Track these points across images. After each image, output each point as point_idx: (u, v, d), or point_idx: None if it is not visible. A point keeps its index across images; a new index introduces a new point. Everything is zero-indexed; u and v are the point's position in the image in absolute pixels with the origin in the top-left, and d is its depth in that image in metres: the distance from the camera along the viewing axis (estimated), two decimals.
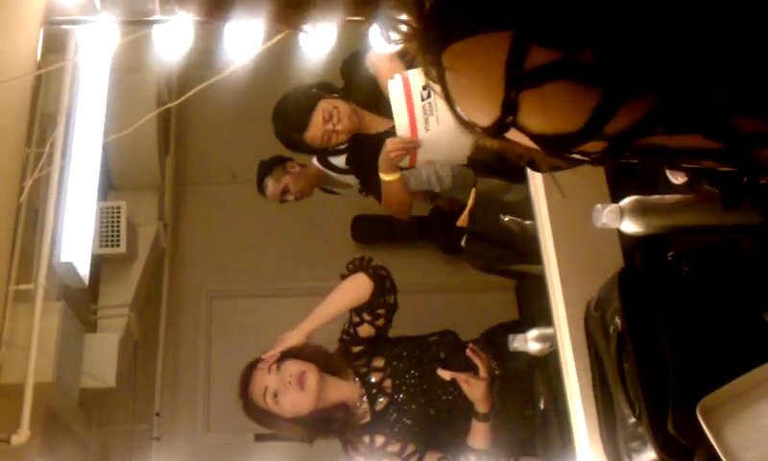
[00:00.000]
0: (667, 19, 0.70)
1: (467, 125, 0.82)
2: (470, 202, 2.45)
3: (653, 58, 0.70)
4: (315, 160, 3.27)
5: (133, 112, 3.15)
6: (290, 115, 2.84)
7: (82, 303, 3.33)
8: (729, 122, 0.71)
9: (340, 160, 3.18)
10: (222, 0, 0.85)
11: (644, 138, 0.73)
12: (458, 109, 0.81)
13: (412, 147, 2.53)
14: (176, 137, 4.21)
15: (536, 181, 1.99)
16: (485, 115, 0.76)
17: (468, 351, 2.55)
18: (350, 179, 3.20)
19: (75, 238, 2.77)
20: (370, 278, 2.61)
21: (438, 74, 0.80)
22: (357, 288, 2.62)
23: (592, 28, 0.70)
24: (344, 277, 2.70)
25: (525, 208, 2.19)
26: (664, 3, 0.70)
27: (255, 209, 4.20)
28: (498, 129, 0.76)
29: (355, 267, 2.69)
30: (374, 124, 2.86)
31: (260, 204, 4.22)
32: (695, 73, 0.70)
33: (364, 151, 2.86)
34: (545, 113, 0.74)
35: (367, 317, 2.61)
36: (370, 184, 3.01)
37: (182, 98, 2.84)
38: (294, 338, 2.57)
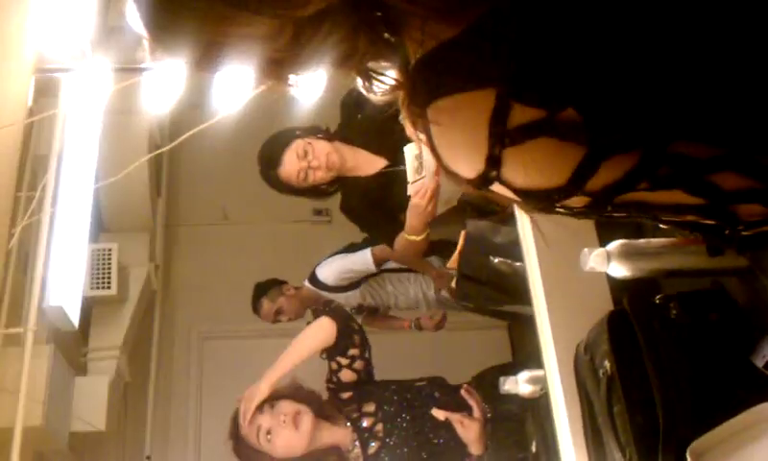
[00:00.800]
0: (652, 78, 0.71)
1: (452, 175, 0.82)
2: (460, 244, 2.45)
3: (637, 116, 0.71)
4: (306, 282, 3.33)
5: (126, 155, 3.18)
6: (265, 153, 2.87)
7: (72, 345, 3.32)
8: (710, 179, 0.72)
9: (327, 276, 3.24)
10: (208, 53, 0.85)
11: (626, 194, 0.73)
12: (443, 161, 0.82)
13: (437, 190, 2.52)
14: (168, 179, 4.22)
15: (524, 223, 2.00)
16: (469, 169, 0.77)
17: (463, 392, 2.54)
18: (342, 296, 3.23)
19: (65, 281, 2.76)
20: (331, 319, 2.61)
21: (423, 126, 0.81)
22: (319, 331, 2.62)
23: (576, 87, 0.72)
24: (308, 323, 2.71)
25: (515, 250, 2.19)
26: (649, 62, 0.71)
27: (247, 250, 4.21)
28: (483, 182, 0.77)
29: (318, 311, 2.69)
30: (371, 164, 2.86)
31: (252, 244, 4.24)
32: (678, 131, 0.71)
33: (360, 194, 2.87)
34: (528, 170, 0.75)
35: (343, 361, 2.61)
36: (371, 228, 3.04)
37: (175, 142, 2.86)
38: (262, 389, 2.54)
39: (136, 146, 3.57)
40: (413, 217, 2.59)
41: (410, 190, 2.52)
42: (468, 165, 0.77)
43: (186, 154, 4.09)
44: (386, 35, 0.82)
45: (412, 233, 2.66)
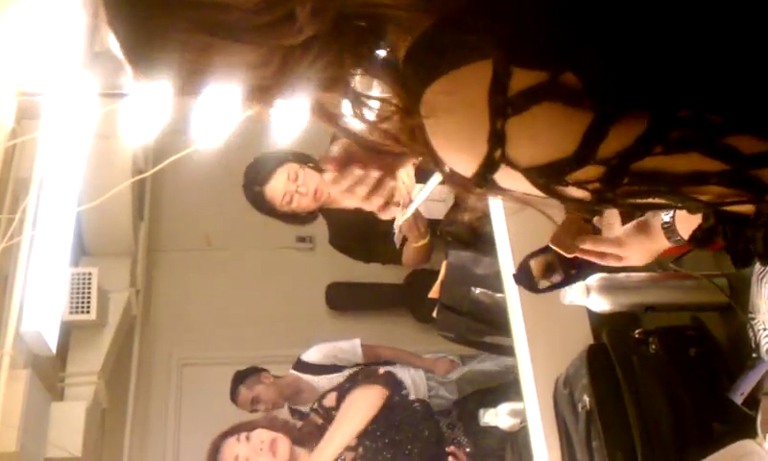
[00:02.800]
0: (650, 38, 0.69)
1: (456, 183, 0.80)
2: (442, 274, 2.45)
3: (638, 77, 0.69)
4: (292, 368, 3.32)
5: (109, 178, 3.15)
6: (255, 167, 2.85)
7: (49, 370, 3.27)
8: (726, 141, 0.69)
9: (312, 356, 3.23)
10: (192, 80, 0.85)
11: (641, 160, 0.70)
12: (446, 167, 0.79)
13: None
14: (150, 203, 4.20)
15: (505, 255, 2.00)
16: (471, 157, 0.74)
17: (450, 458, 2.52)
18: (326, 378, 3.21)
19: (44, 305, 2.74)
20: (384, 387, 2.59)
21: (420, 133, 0.78)
22: (375, 403, 2.58)
23: (572, 49, 0.70)
24: (348, 389, 2.65)
25: (496, 281, 2.19)
26: (644, 21, 0.69)
27: (229, 276, 4.19)
28: (488, 168, 0.74)
29: (364, 379, 2.65)
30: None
31: (234, 270, 4.21)
32: (683, 91, 0.69)
33: (349, 226, 2.86)
34: (535, 140, 0.72)
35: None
36: (366, 255, 3.03)
37: (157, 167, 2.85)
38: None
39: (119, 170, 3.55)
40: (408, 233, 2.64)
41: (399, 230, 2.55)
42: (470, 152, 0.74)
43: (170, 178, 4.07)
44: (372, 46, 0.81)
45: (414, 242, 2.69)
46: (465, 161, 0.76)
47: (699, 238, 0.83)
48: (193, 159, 2.75)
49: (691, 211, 0.81)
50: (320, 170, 2.82)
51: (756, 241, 0.80)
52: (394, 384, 2.66)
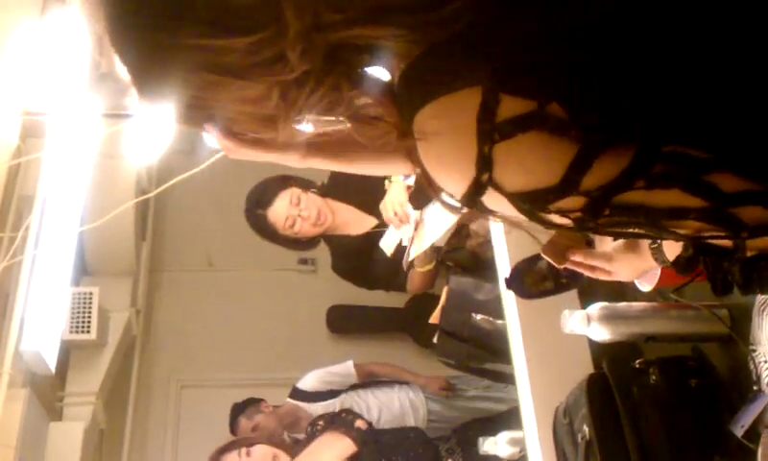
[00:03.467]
0: (637, 72, 0.70)
1: (448, 205, 0.82)
2: (443, 300, 2.45)
3: (624, 110, 0.70)
4: (288, 397, 3.34)
5: (112, 198, 3.16)
6: (258, 191, 2.86)
7: (48, 389, 3.27)
8: (707, 178, 0.70)
9: (308, 383, 3.27)
10: (197, 114, 0.87)
11: (623, 194, 0.71)
12: (439, 189, 0.81)
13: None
14: (153, 223, 4.21)
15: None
16: (461, 178, 0.75)
17: None
18: (321, 405, 3.23)
19: (44, 325, 2.73)
20: (354, 442, 2.59)
21: (416, 152, 0.80)
22: (340, 456, 2.58)
23: (559, 80, 0.71)
24: (319, 428, 2.67)
25: (497, 307, 2.19)
26: (632, 56, 0.70)
27: (230, 298, 4.19)
28: (475, 191, 0.75)
29: (339, 426, 2.65)
30: (361, 222, 2.86)
31: (235, 292, 4.21)
32: (668, 135, 0.70)
33: (355, 252, 2.87)
34: (521, 167, 0.73)
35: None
36: (370, 282, 3.04)
37: (162, 187, 2.85)
38: None
39: (123, 190, 3.56)
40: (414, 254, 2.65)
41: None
42: (459, 174, 0.75)
43: (173, 198, 4.08)
44: (366, 65, 0.83)
45: (419, 266, 2.69)
46: (454, 182, 0.77)
47: (682, 265, 0.83)
48: (197, 181, 2.76)
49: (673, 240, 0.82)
50: (321, 194, 2.82)
51: (733, 272, 0.81)
52: (364, 443, 2.64)
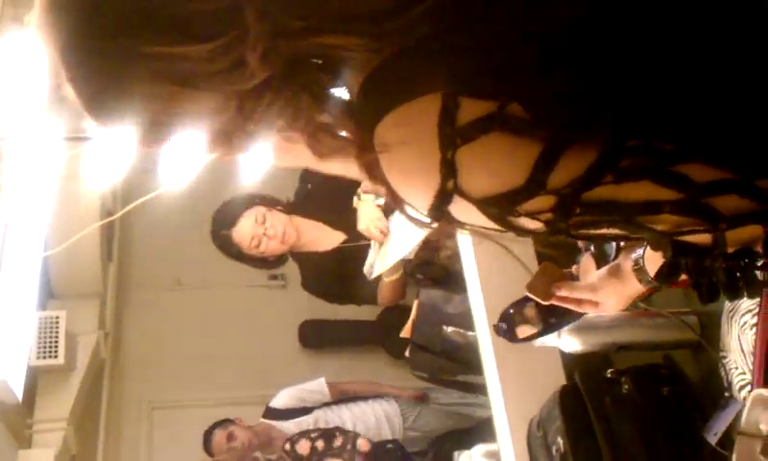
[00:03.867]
0: (596, 66, 0.70)
1: (415, 219, 0.80)
2: (413, 313, 2.44)
3: (586, 105, 0.69)
4: (262, 418, 3.32)
5: (77, 219, 3.10)
6: (222, 212, 2.83)
7: (16, 417, 3.20)
8: (677, 169, 0.70)
9: (280, 401, 3.26)
10: (154, 130, 0.85)
11: (592, 190, 0.71)
12: (404, 204, 0.79)
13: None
14: (120, 243, 4.15)
15: (475, 293, 1.99)
16: (425, 189, 0.74)
17: None
18: (294, 422, 3.22)
19: (9, 352, 2.68)
20: None
21: (377, 170, 0.79)
22: None
23: (518, 80, 0.70)
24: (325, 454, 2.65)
25: (468, 319, 2.18)
26: (590, 51, 0.70)
27: (200, 316, 4.14)
28: (441, 200, 0.74)
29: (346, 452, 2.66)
30: (329, 238, 2.85)
31: (205, 310, 4.16)
32: (632, 119, 0.69)
33: (322, 269, 2.85)
34: (485, 170, 0.72)
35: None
36: (341, 297, 3.02)
37: (125, 209, 2.80)
38: None
39: (87, 211, 3.50)
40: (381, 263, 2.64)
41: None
42: (424, 184, 0.74)
43: (139, 217, 4.02)
44: (327, 85, 0.81)
45: (385, 276, 2.68)
46: (419, 194, 0.76)
47: (664, 274, 0.82)
48: (163, 198, 2.72)
49: (651, 246, 0.81)
50: (287, 212, 2.80)
51: (717, 272, 0.79)
52: None
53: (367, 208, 2.57)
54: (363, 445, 2.80)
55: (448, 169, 0.72)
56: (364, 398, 3.30)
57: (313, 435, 2.95)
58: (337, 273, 2.78)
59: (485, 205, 0.73)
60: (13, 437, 3.11)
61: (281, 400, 3.29)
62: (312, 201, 2.81)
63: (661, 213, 0.72)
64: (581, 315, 1.35)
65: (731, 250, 0.77)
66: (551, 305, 1.32)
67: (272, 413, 3.28)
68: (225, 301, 4.16)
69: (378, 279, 2.67)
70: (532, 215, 0.73)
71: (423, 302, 2.43)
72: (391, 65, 0.75)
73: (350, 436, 2.88)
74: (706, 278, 0.81)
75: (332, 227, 2.82)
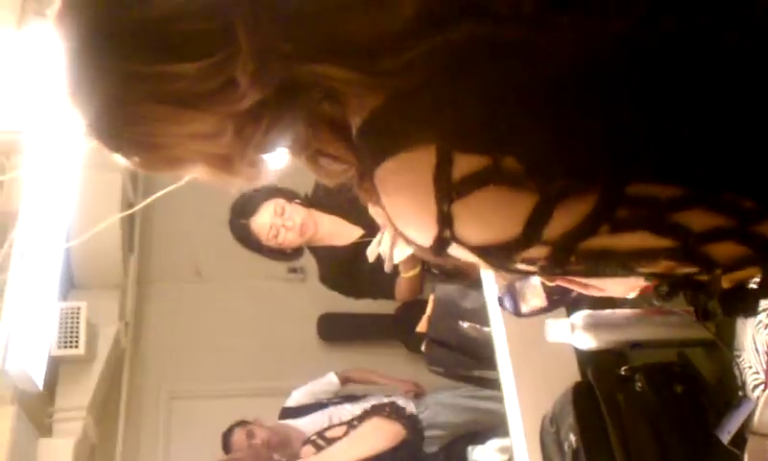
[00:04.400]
0: (590, 116, 0.69)
1: (413, 244, 0.80)
2: (429, 308, 2.44)
3: (580, 155, 0.69)
4: (278, 419, 3.35)
5: (98, 210, 3.15)
6: (241, 201, 2.84)
7: (37, 405, 3.25)
8: (675, 218, 0.69)
9: (293, 400, 3.31)
10: (155, 156, 0.84)
11: (588, 240, 0.70)
12: (400, 231, 0.80)
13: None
14: (140, 234, 4.18)
15: (491, 289, 1.99)
16: (425, 233, 0.75)
17: None
18: (308, 419, 3.23)
19: (31, 342, 2.71)
20: (404, 428, 2.59)
21: (377, 200, 0.79)
22: (389, 439, 2.58)
23: (511, 134, 0.70)
24: (368, 414, 2.69)
25: (484, 315, 2.18)
26: (583, 100, 0.69)
27: (219, 308, 4.17)
28: (440, 246, 0.75)
29: (390, 413, 2.66)
30: (347, 233, 2.85)
31: (224, 302, 4.19)
32: (631, 173, 0.69)
33: (341, 263, 2.85)
34: (481, 222, 0.73)
35: None
36: (358, 292, 3.04)
37: (147, 201, 2.83)
38: None
39: (109, 201, 3.54)
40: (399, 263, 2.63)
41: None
42: (422, 229, 0.75)
43: (159, 209, 4.05)
44: (327, 112, 0.80)
45: (403, 272, 2.68)
46: (418, 235, 0.77)
47: (661, 296, 0.82)
48: (183, 189, 2.74)
49: (646, 279, 0.81)
50: (306, 206, 2.81)
51: (712, 301, 0.80)
52: (414, 429, 2.65)
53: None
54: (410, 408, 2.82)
55: (445, 220, 0.73)
56: (378, 395, 3.31)
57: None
58: (354, 267, 2.78)
59: (481, 253, 0.74)
60: (34, 426, 3.14)
61: (294, 398, 3.33)
62: (330, 196, 2.81)
63: (657, 260, 0.72)
64: (587, 297, 1.36)
65: (726, 286, 0.77)
66: (556, 285, 1.32)
67: (287, 412, 3.31)
68: (244, 293, 4.19)
69: (395, 273, 2.67)
70: (527, 262, 0.74)
71: (439, 297, 2.43)
72: (388, 110, 0.75)
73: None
74: (701, 303, 0.82)
75: (350, 221, 2.83)
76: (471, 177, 0.70)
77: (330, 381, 3.36)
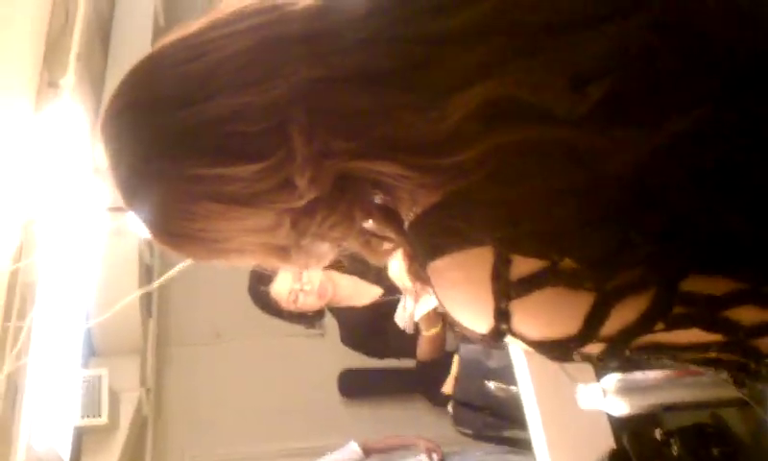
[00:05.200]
0: (645, 215, 0.70)
1: (467, 330, 0.81)
2: (454, 369, 2.43)
3: (639, 258, 0.69)
4: None
5: (116, 275, 3.15)
6: (260, 267, 2.83)
7: None
8: (727, 315, 0.70)
9: None
10: (214, 253, 0.85)
11: (643, 337, 0.71)
12: (455, 319, 0.80)
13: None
14: (158, 298, 4.19)
15: (516, 347, 1.98)
16: (480, 325, 0.76)
17: None
18: None
19: (55, 417, 2.70)
20: None
21: (430, 286, 0.80)
22: None
23: (567, 237, 0.71)
24: None
25: (510, 374, 2.17)
26: (640, 204, 0.70)
27: (239, 368, 4.15)
28: (496, 336, 0.76)
29: None
30: (365, 293, 2.86)
31: (244, 362, 4.18)
32: (690, 266, 0.70)
33: (360, 324, 2.86)
34: (539, 320, 0.73)
35: None
36: (380, 352, 3.05)
37: (168, 275, 2.83)
38: None
39: (126, 266, 3.55)
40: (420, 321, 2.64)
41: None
42: (478, 322, 0.76)
43: (177, 274, 4.06)
44: (379, 204, 0.82)
45: (425, 329, 2.68)
46: (473, 325, 0.78)
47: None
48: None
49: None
50: (323, 268, 2.82)
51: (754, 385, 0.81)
52: None
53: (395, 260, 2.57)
54: None
55: (502, 316, 0.73)
56: (402, 454, 3.28)
57: None
58: (377, 328, 2.78)
59: (538, 347, 0.75)
60: None
61: None
62: (347, 256, 2.81)
63: (707, 353, 0.74)
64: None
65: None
66: None
67: None
68: (263, 352, 4.18)
69: (417, 332, 2.67)
70: (583, 355, 0.75)
71: (464, 356, 2.42)
72: (443, 208, 0.76)
73: None
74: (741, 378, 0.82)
75: (368, 281, 2.83)
76: (529, 278, 0.71)
77: (353, 450, 3.33)
